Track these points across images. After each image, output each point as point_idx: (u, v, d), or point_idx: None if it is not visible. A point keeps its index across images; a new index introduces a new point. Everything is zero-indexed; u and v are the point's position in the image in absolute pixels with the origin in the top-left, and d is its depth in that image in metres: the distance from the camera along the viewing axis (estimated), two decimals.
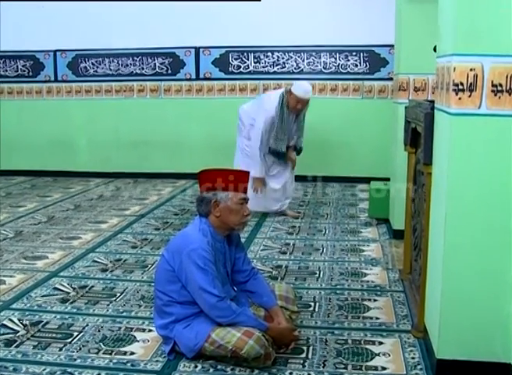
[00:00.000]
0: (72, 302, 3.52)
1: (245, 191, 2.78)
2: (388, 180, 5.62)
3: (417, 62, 4.59)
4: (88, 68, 8.18)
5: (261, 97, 5.81)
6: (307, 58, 7.65)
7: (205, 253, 2.62)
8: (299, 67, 7.70)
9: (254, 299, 2.95)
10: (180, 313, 2.73)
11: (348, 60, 7.58)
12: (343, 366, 2.71)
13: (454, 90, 2.32)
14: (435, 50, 2.90)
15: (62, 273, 4.07)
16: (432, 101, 2.87)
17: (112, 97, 8.17)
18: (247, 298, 2.96)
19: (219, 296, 2.61)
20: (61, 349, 2.89)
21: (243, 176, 2.78)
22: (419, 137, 3.34)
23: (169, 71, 7.99)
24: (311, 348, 2.90)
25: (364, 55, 7.53)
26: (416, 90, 4.68)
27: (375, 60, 7.51)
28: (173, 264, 2.68)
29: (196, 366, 2.69)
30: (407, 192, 3.85)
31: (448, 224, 2.45)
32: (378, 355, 2.82)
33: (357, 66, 7.56)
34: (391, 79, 6.87)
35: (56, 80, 8.30)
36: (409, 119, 3.60)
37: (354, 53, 7.56)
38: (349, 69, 7.59)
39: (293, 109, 5.25)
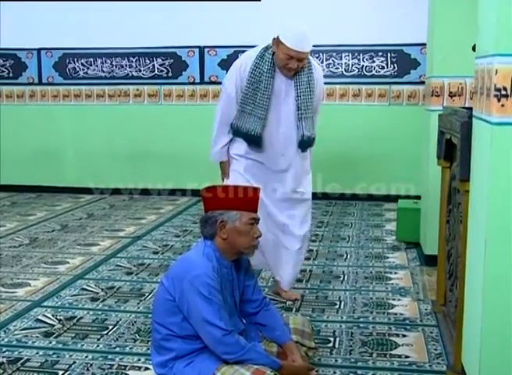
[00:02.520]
0: (57, 336, 3.52)
1: (256, 210, 2.78)
2: (418, 198, 5.61)
3: (453, 63, 4.60)
4: (77, 69, 8.26)
5: None
6: (326, 60, 7.69)
7: (210, 280, 2.62)
8: None
9: (266, 333, 2.94)
10: (181, 349, 2.72)
11: (373, 61, 7.61)
12: None
13: (496, 95, 2.32)
14: (474, 49, 2.90)
15: (45, 303, 4.08)
16: (470, 109, 2.87)
17: (104, 102, 8.23)
18: (258, 332, 2.95)
19: (226, 329, 2.60)
20: None
21: (253, 192, 2.78)
22: (455, 150, 3.33)
23: (170, 73, 8.05)
24: None
25: (392, 55, 7.55)
26: (451, 95, 4.68)
27: (404, 61, 7.53)
28: (174, 293, 2.68)
29: None
30: (441, 212, 3.84)
31: (489, 250, 2.44)
32: None
33: (383, 68, 7.59)
34: (423, 83, 6.88)
35: (41, 83, 8.38)
36: (443, 128, 3.60)
37: (380, 53, 7.59)
38: (374, 72, 7.62)
39: (282, 68, 3.75)
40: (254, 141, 3.84)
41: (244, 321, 2.94)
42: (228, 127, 3.92)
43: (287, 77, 3.80)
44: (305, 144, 3.91)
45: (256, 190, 2.81)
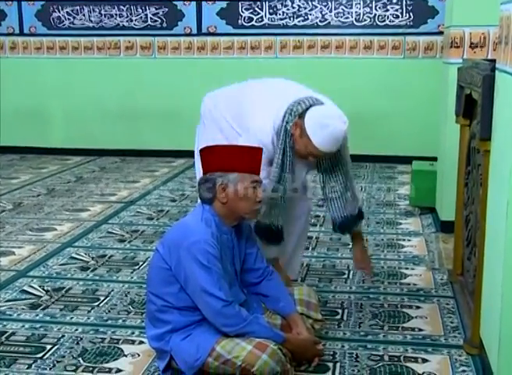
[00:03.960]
0: (44, 308, 3.54)
1: (258, 172, 2.77)
2: (435, 159, 5.59)
3: (474, 10, 4.53)
4: (62, 19, 8.18)
5: (243, 96, 3.47)
6: (335, 8, 7.60)
7: (209, 247, 2.62)
8: (325, 19, 7.65)
9: (269, 304, 2.95)
10: (178, 321, 2.74)
11: (387, 10, 7.52)
12: None
13: None
14: None
15: (31, 273, 4.09)
16: (493, 61, 2.84)
17: (92, 55, 8.17)
18: (260, 304, 2.96)
19: (226, 300, 2.62)
20: (29, 366, 2.91)
21: (255, 152, 2.77)
22: (475, 106, 3.31)
23: (164, 24, 7.97)
24: (338, 365, 2.90)
25: (407, 3, 7.46)
26: (472, 46, 4.63)
27: (420, 9, 7.44)
28: (170, 261, 2.69)
29: None
30: (459, 175, 3.83)
31: (511, 214, 2.43)
32: None
33: (397, 17, 7.50)
34: (441, 33, 6.81)
35: (22, 34, 8.30)
36: (463, 83, 3.57)
37: (395, 1, 7.50)
38: (388, 22, 7.54)
39: (300, 158, 3.17)
40: (274, 236, 3.25)
41: (246, 291, 2.96)
42: None
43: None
44: (346, 226, 3.37)
45: (258, 150, 2.79)
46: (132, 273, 4.08)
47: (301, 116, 3.03)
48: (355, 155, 7.56)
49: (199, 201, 2.83)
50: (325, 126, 2.98)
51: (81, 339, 3.16)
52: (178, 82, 7.96)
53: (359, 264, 3.49)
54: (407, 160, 7.01)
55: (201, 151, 2.79)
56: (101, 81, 8.13)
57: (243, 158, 2.72)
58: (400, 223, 5.18)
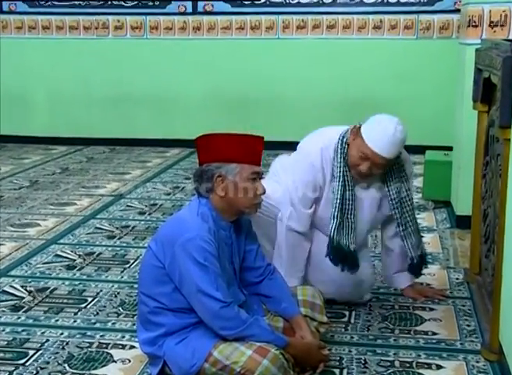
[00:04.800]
0: (27, 310, 3.53)
1: (259, 163, 2.77)
2: (450, 149, 5.59)
3: None
4: None
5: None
6: None
7: (206, 244, 2.62)
8: None
9: (270, 306, 2.95)
10: (172, 324, 2.74)
11: None
12: None
13: None
14: None
15: (13, 272, 4.09)
16: None
17: (79, 36, 8.16)
18: (261, 305, 2.97)
19: (224, 301, 2.62)
20: (10, 374, 2.89)
21: (256, 142, 2.77)
22: (494, 91, 3.31)
23: (157, 2, 7.96)
24: (344, 371, 2.90)
25: None
26: (492, 25, 4.61)
27: None
28: (163, 259, 2.69)
29: None
30: (476, 166, 3.83)
31: None
32: None
33: None
34: (458, 11, 6.80)
35: (1, 12, 8.29)
36: (481, 65, 3.57)
37: None
38: None
39: (352, 168, 3.27)
40: (347, 260, 3.33)
41: (245, 292, 2.96)
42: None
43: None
44: (419, 266, 3.56)
45: (259, 139, 2.79)
46: (122, 272, 4.09)
47: (355, 127, 3.27)
48: None
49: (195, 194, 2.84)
50: (378, 123, 3.19)
51: (67, 344, 3.16)
52: (171, 65, 7.96)
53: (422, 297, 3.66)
54: (419, 150, 6.99)
55: (197, 140, 2.79)
56: (88, 64, 8.12)
57: (243, 148, 2.72)
58: None
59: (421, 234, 3.61)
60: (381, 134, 3.14)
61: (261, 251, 2.99)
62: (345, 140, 3.26)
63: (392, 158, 3.21)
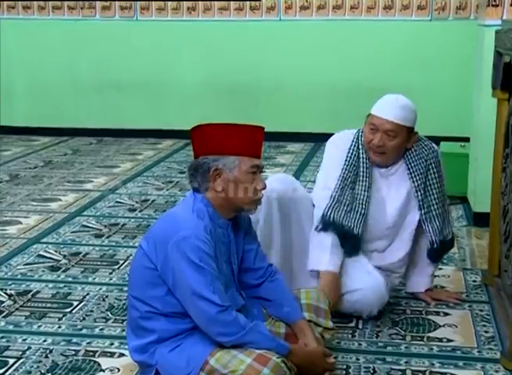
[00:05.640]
0: (7, 316, 3.53)
1: (259, 155, 2.77)
2: (467, 140, 5.59)
3: None
4: None
5: None
6: None
7: (202, 243, 2.62)
8: None
9: (271, 310, 2.95)
10: (165, 330, 2.74)
11: None
12: None
13: None
14: None
15: None
16: None
17: (63, 17, 8.16)
18: (261, 309, 2.97)
19: (221, 305, 2.62)
20: None
21: (256, 132, 2.77)
22: None
23: None
24: None
25: None
26: None
27: None
28: (155, 259, 2.69)
29: None
30: (495, 158, 3.82)
31: None
32: None
33: None
34: None
35: None
36: (501, 49, 3.56)
37: None
38: None
39: (368, 151, 3.57)
40: (351, 242, 3.53)
41: (244, 295, 2.96)
42: None
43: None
44: (440, 252, 3.69)
45: (260, 129, 2.79)
46: (111, 273, 4.09)
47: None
48: None
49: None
50: (382, 98, 3.56)
51: (50, 351, 3.16)
52: (164, 49, 7.95)
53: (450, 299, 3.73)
54: (434, 141, 6.97)
55: (192, 131, 2.79)
56: (73, 47, 8.11)
57: (242, 139, 2.72)
58: None
59: (451, 225, 3.72)
60: (384, 101, 3.53)
61: (261, 251, 2.99)
62: (361, 130, 3.60)
63: (400, 123, 3.44)
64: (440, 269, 4.11)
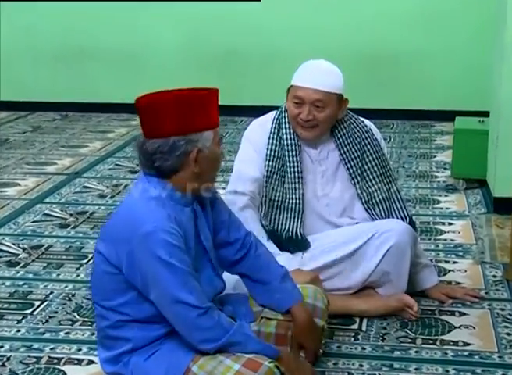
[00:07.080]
0: None
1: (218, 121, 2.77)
2: (486, 115, 5.59)
3: None
4: None
5: None
6: None
7: (169, 236, 2.57)
8: None
9: (261, 298, 2.95)
10: (140, 338, 2.71)
11: None
12: None
13: None
14: None
15: None
16: None
17: None
18: (250, 308, 2.96)
19: (200, 306, 2.58)
20: None
21: (213, 96, 2.73)
22: None
23: None
24: None
25: None
26: None
27: None
28: (117, 263, 2.64)
29: None
30: None
31: None
32: None
33: None
34: None
35: None
36: None
37: None
38: None
39: (295, 127, 3.59)
40: (297, 242, 3.58)
41: (224, 278, 2.93)
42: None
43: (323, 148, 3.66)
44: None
45: (215, 92, 2.75)
46: (78, 269, 4.09)
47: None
48: (377, 110, 7.59)
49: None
50: (303, 65, 3.61)
51: (8, 359, 3.16)
52: (138, 12, 7.92)
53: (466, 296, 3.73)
54: (447, 116, 7.03)
55: (138, 103, 2.75)
56: (33, 11, 8.08)
57: (210, 108, 2.70)
58: (439, 201, 5.20)
59: (406, 207, 3.77)
60: (306, 69, 3.58)
61: (234, 220, 2.98)
62: (282, 108, 3.64)
63: (328, 90, 3.47)
64: (455, 262, 4.13)
